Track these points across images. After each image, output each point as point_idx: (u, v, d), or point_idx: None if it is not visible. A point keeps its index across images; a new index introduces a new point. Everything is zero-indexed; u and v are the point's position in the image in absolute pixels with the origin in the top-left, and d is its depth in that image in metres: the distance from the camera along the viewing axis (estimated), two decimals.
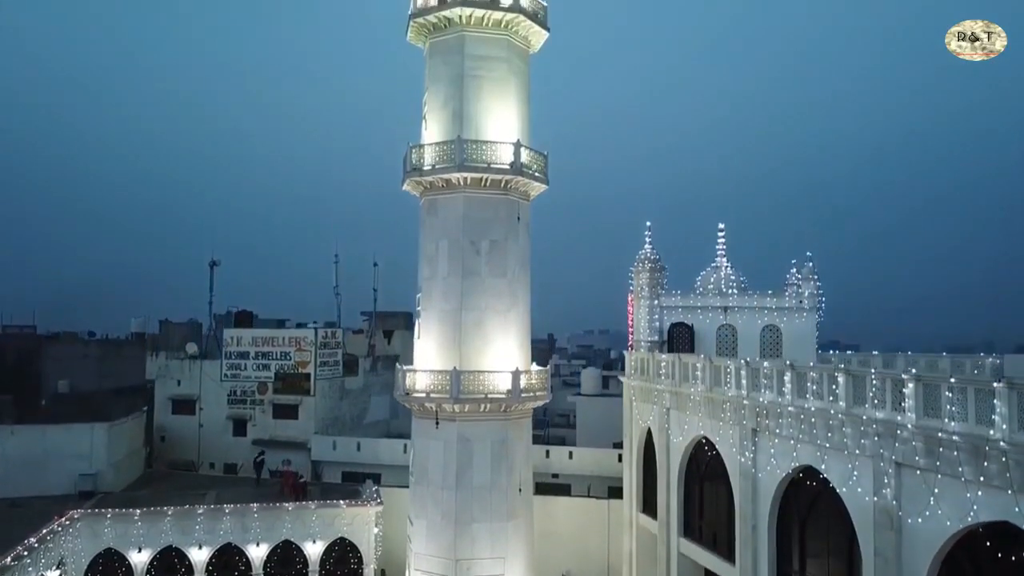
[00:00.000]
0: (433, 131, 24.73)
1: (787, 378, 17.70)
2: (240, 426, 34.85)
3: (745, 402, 19.32)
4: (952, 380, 13.12)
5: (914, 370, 13.97)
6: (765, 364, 18.70)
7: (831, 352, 27.77)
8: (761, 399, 18.64)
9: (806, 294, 26.53)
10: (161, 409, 36.64)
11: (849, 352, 27.57)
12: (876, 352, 27.29)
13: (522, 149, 24.03)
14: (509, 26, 24.40)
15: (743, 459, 19.45)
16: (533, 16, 24.71)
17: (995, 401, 12.04)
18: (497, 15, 24.06)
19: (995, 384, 12.05)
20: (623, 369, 77.57)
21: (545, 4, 25.52)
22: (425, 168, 24.11)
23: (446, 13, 24.11)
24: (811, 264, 26.94)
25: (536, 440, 29.73)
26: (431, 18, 24.39)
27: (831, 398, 16.14)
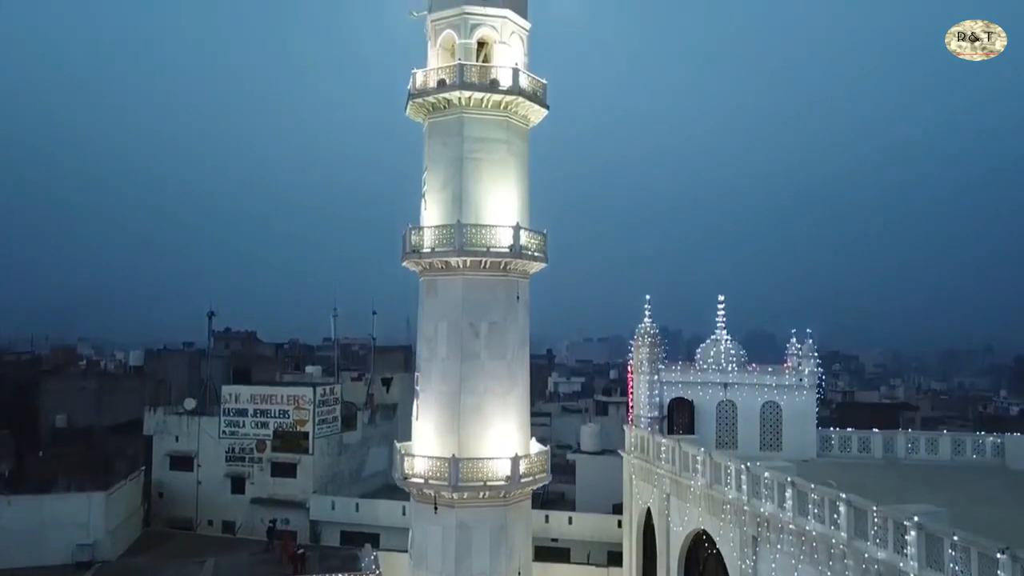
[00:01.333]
0: (433, 212, 24.61)
1: (788, 494, 17.59)
2: (238, 484, 34.71)
3: (746, 508, 19.22)
4: (955, 537, 12.98)
5: (916, 518, 13.80)
6: (766, 474, 18.57)
7: (831, 429, 27.61)
8: (762, 508, 18.53)
9: (806, 372, 26.42)
10: (159, 465, 36.50)
11: (850, 429, 27.32)
12: (876, 429, 27.22)
13: (521, 231, 23.94)
14: (508, 107, 24.30)
15: (744, 565, 19.35)
16: (532, 96, 24.59)
17: (999, 572, 11.91)
18: (496, 97, 23.94)
19: (998, 555, 11.91)
20: (622, 394, 76.12)
21: (544, 82, 25.41)
22: (424, 250, 24.00)
23: (446, 95, 23.99)
24: (811, 341, 26.86)
25: (534, 499, 29.61)
26: (430, 99, 24.29)
27: (833, 526, 16.01)
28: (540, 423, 59.95)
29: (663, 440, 24.25)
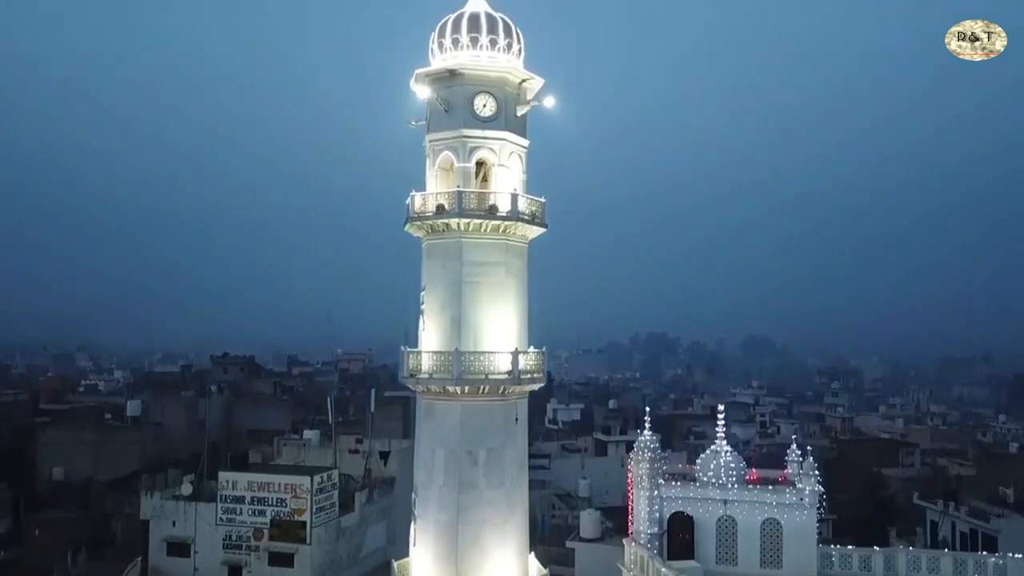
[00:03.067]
0: (431, 334, 24.43)
1: None
2: (235, 572, 34.49)
3: None
4: None
5: None
6: None
7: (832, 547, 27.43)
8: None
9: (806, 491, 26.23)
10: (156, 550, 36.29)
11: (851, 547, 27.13)
12: (877, 548, 27.02)
13: (520, 356, 23.78)
14: (507, 231, 24.13)
15: None
16: (531, 219, 24.43)
17: None
18: (495, 223, 23.78)
19: None
20: (622, 432, 75.05)
21: (543, 200, 25.21)
22: (422, 375, 23.86)
23: (444, 220, 23.83)
24: (811, 459, 26.69)
25: None
26: (429, 222, 24.12)
27: None
28: (538, 465, 59.95)
29: (663, 570, 24.08)
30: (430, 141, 24.92)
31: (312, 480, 34.07)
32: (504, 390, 23.65)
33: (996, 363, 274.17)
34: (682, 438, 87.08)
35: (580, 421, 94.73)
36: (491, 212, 23.80)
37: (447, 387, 23.45)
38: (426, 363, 23.86)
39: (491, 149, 24.34)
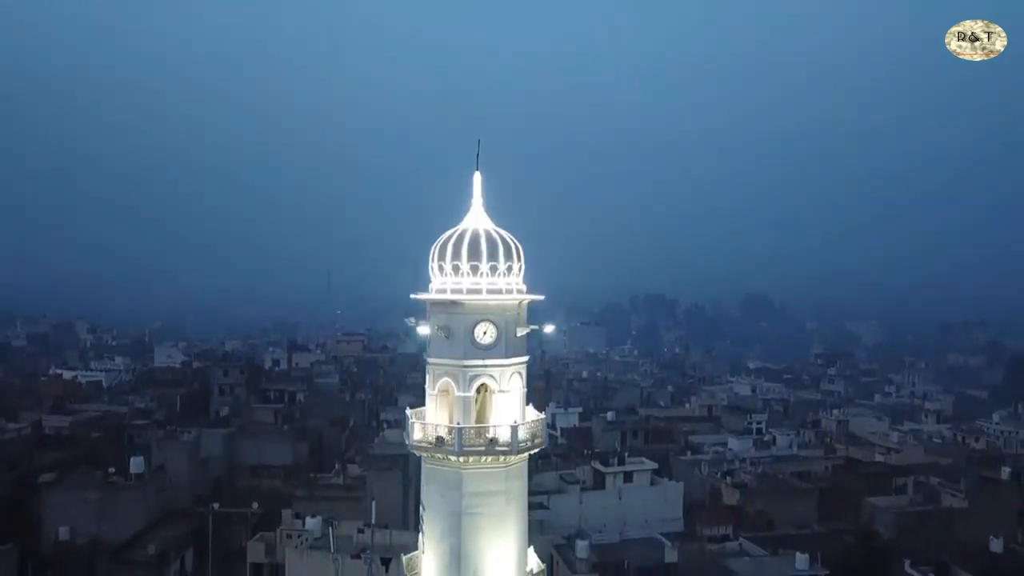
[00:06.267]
0: (431, 561, 24.55)
1: None
2: None
3: None
4: None
5: None
6: None
7: None
8: None
9: None
10: None
11: None
12: None
13: None
14: (507, 461, 24.04)
15: None
16: (530, 445, 24.34)
17: None
18: (494, 457, 23.68)
19: None
20: (620, 463, 75.69)
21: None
22: None
23: (444, 455, 23.72)
24: None
25: None
26: (427, 453, 24.03)
27: None
28: (538, 504, 60.94)
29: None
30: (430, 363, 24.63)
31: None
32: None
33: (994, 328, 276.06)
34: (679, 452, 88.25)
35: (578, 431, 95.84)
36: (491, 445, 23.69)
37: None
38: None
39: (492, 376, 24.08)
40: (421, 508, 25.29)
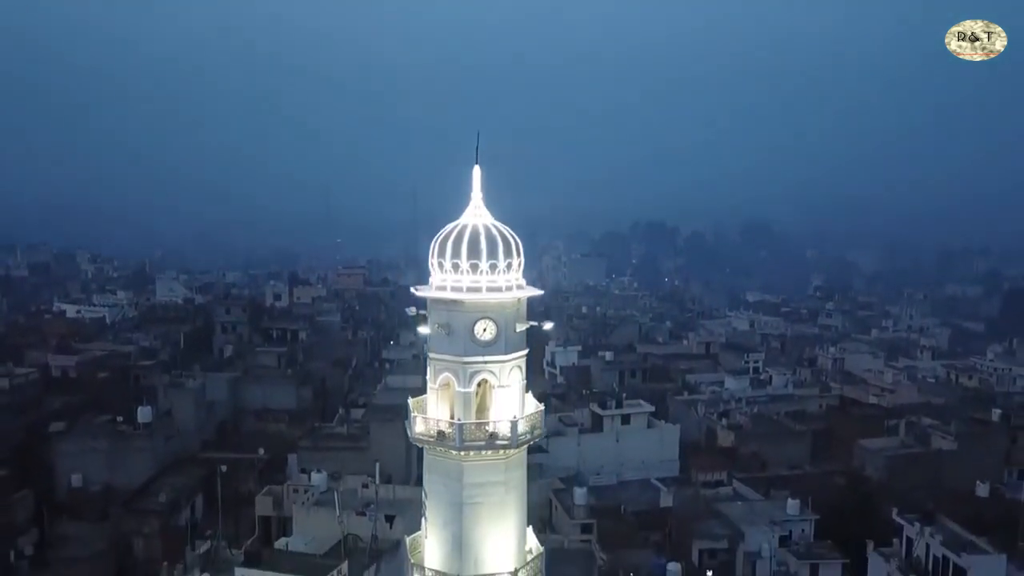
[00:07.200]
0: (434, 546, 25.40)
1: None
2: None
3: None
4: None
5: None
6: None
7: None
8: None
9: None
10: None
11: None
12: None
13: (520, 571, 24.90)
14: (507, 454, 24.62)
15: None
16: (529, 437, 24.90)
17: None
18: (494, 451, 24.26)
19: None
20: (618, 406, 76.30)
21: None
22: None
23: (445, 447, 24.29)
24: None
25: None
26: (429, 446, 24.60)
27: None
28: (537, 447, 62.49)
29: None
30: (431, 358, 24.96)
31: None
32: None
33: (994, 256, 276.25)
34: (676, 392, 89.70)
35: (577, 369, 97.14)
36: (491, 439, 24.23)
37: None
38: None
39: (492, 372, 24.43)
40: (423, 494, 26.06)
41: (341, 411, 66.84)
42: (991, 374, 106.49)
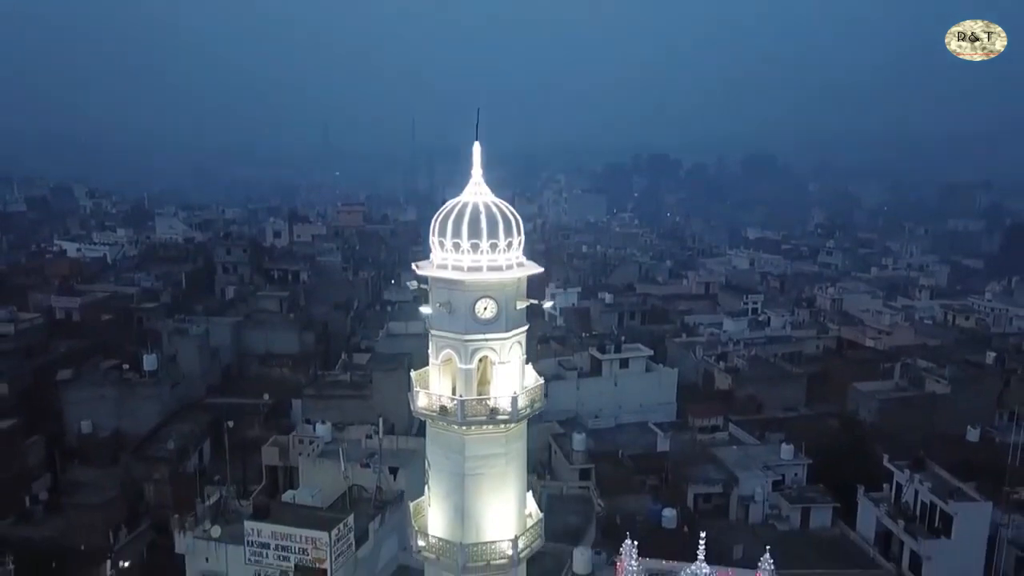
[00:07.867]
0: (437, 515, 26.22)
1: None
2: None
3: None
4: None
5: None
6: None
7: None
8: None
9: None
10: None
11: None
12: None
13: (519, 539, 25.78)
14: (508, 428, 25.20)
15: None
16: (528, 411, 25.43)
17: None
18: (495, 425, 24.82)
19: None
20: (617, 350, 76.63)
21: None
22: (429, 556, 25.91)
23: (447, 422, 24.85)
24: None
25: None
26: (432, 420, 25.16)
27: None
28: None
29: None
30: (433, 335, 25.28)
31: (331, 535, 37.10)
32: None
33: (996, 190, 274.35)
34: (674, 334, 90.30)
35: (577, 311, 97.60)
36: (492, 415, 24.76)
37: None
38: (433, 546, 25.77)
39: (492, 349, 24.79)
40: (427, 464, 26.77)
41: (344, 356, 67.54)
42: (988, 314, 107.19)
